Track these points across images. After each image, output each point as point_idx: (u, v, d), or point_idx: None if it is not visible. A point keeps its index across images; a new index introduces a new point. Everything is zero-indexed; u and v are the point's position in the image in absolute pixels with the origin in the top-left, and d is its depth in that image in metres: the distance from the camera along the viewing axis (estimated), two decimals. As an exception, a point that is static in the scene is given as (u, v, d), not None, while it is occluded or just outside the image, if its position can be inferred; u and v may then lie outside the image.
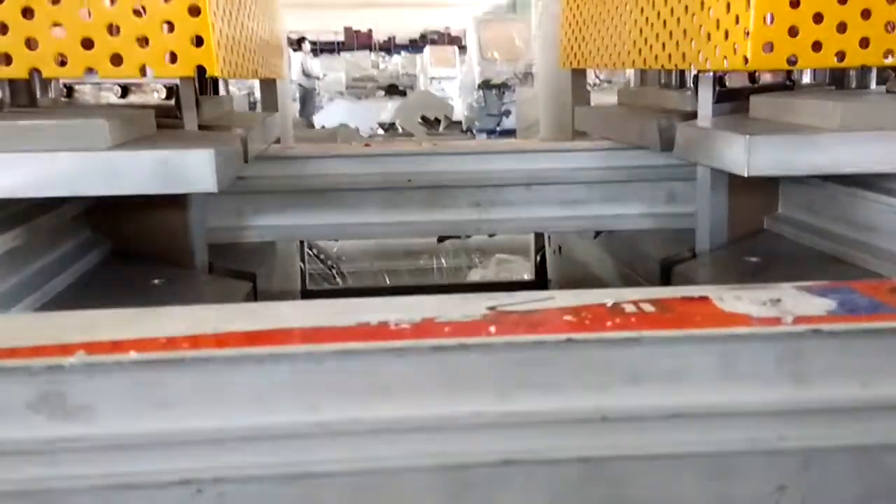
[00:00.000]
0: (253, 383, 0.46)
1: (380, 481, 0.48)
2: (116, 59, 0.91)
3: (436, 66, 12.62)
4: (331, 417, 0.46)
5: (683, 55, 1.20)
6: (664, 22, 1.29)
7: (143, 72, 0.92)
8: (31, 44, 0.89)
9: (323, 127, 8.31)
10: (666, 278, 1.38)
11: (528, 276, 2.35)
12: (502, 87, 9.05)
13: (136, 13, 0.88)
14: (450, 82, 11.88)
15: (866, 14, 0.99)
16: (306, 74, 11.47)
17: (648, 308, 0.53)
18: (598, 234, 1.70)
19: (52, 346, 0.46)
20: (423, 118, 9.45)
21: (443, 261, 3.90)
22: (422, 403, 0.47)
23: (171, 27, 0.89)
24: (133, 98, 1.40)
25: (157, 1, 0.88)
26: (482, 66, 9.24)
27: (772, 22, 0.98)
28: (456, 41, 16.71)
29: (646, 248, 1.52)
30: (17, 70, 0.93)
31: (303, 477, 0.47)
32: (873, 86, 1.32)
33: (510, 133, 7.57)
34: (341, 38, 19.12)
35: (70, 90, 1.30)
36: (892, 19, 0.98)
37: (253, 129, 1.29)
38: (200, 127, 1.24)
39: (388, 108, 11.32)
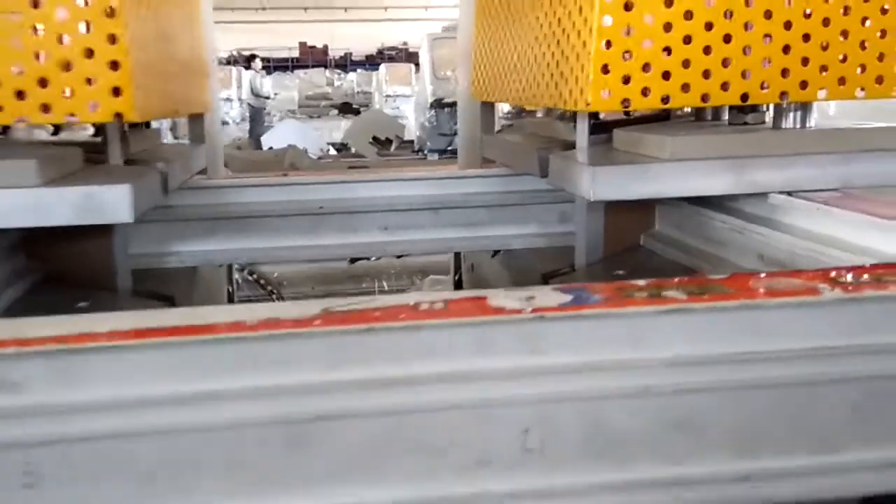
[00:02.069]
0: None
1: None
2: (45, 108, 1.11)
3: (392, 84, 12.83)
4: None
5: (551, 95, 1.43)
6: (544, 65, 1.52)
7: (68, 118, 1.13)
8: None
9: (270, 148, 8.37)
10: (546, 290, 1.61)
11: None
12: (454, 106, 9.15)
13: (64, 68, 1.09)
14: (406, 101, 12.02)
15: (686, 64, 1.23)
16: (255, 94, 11.60)
17: (439, 305, 0.75)
18: (496, 252, 1.93)
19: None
20: (375, 138, 9.58)
21: (384, 283, 4.09)
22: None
23: (93, 81, 1.10)
24: (64, 135, 1.61)
25: (81, 57, 1.09)
26: (435, 84, 9.40)
27: (607, 72, 1.21)
28: (414, 57, 16.95)
29: (536, 263, 1.76)
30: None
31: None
32: (725, 118, 1.57)
33: (462, 152, 7.60)
34: (296, 53, 19.35)
35: (6, 127, 1.51)
36: (709, 67, 1.22)
37: (174, 163, 1.50)
38: (126, 161, 1.44)
39: (340, 128, 11.44)
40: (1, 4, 1.08)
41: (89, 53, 1.11)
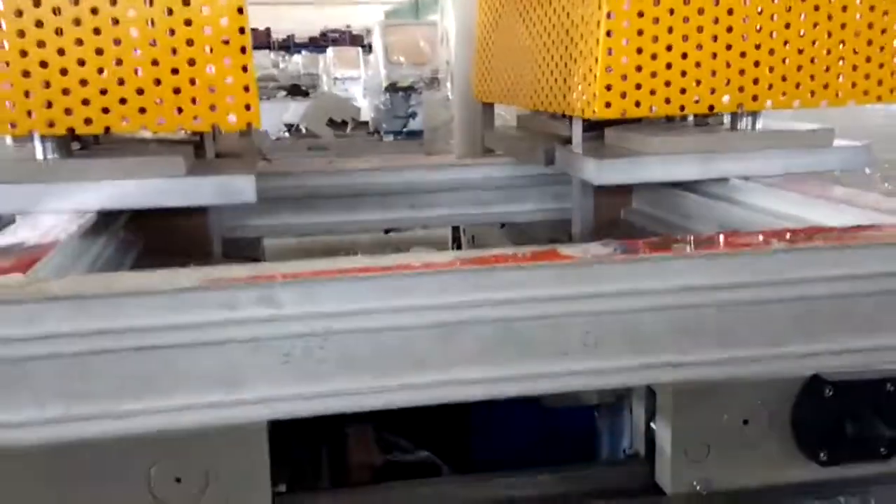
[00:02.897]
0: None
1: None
2: (196, 118, 1.50)
3: (340, 67, 13.09)
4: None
5: (559, 103, 1.85)
6: (549, 75, 1.94)
7: (212, 127, 1.52)
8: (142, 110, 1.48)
9: (231, 131, 8.70)
10: (551, 256, 2.06)
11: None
12: (409, 90, 9.48)
13: (210, 90, 1.48)
14: (354, 83, 12.25)
15: (668, 83, 1.66)
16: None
17: (528, 254, 1.17)
18: (503, 225, 2.36)
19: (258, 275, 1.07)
20: (331, 120, 9.88)
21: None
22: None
23: (232, 98, 1.49)
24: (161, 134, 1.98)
25: (223, 81, 1.48)
26: (388, 69, 9.75)
27: (609, 90, 1.64)
28: (358, 40, 17.16)
29: (537, 233, 2.20)
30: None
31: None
32: (691, 119, 2.01)
33: (417, 134, 7.95)
34: (237, 36, 19.40)
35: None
36: (685, 86, 1.65)
37: (250, 155, 1.89)
38: (217, 155, 1.82)
39: (290, 109, 11.65)
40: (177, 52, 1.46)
41: (229, 79, 1.50)
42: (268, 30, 19.32)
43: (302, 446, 1.85)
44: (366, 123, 10.45)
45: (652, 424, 1.50)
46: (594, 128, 1.96)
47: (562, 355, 1.15)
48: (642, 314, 1.17)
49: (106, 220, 1.75)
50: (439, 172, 2.23)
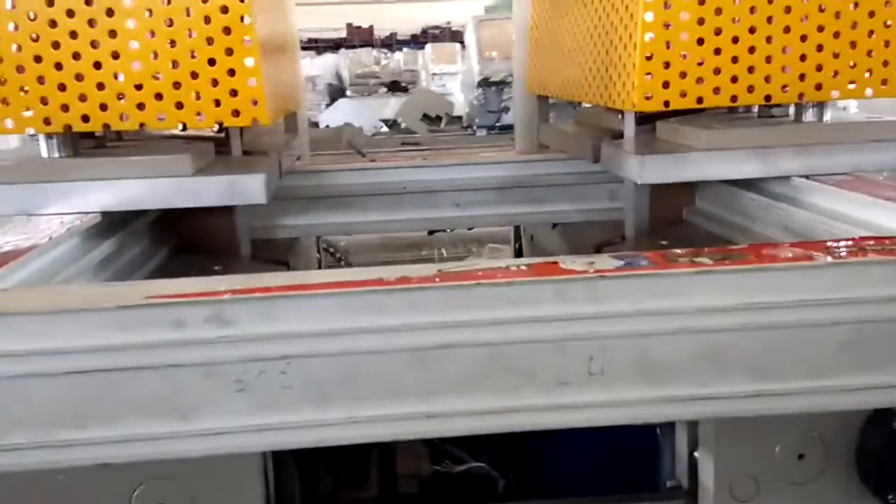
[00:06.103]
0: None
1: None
2: (199, 114, 1.37)
3: (438, 63, 13.02)
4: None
5: (602, 95, 1.65)
6: (593, 66, 1.74)
7: (218, 123, 1.39)
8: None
9: (327, 126, 8.71)
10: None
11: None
12: (501, 84, 9.32)
13: (214, 83, 1.35)
14: (452, 78, 12.18)
15: (717, 71, 1.44)
16: (339, 75, 11.92)
17: (524, 268, 1.00)
18: (555, 224, 2.17)
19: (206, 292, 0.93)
20: (426, 115, 9.81)
21: (443, 251, 4.41)
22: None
23: (235, 93, 1.35)
24: (191, 130, 1.87)
25: (226, 74, 1.34)
26: (481, 64, 9.61)
27: (651, 77, 1.43)
28: (458, 36, 17.00)
29: (590, 234, 1.99)
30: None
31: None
32: (755, 109, 1.78)
33: (509, 128, 7.77)
34: (343, 34, 19.60)
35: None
36: (737, 74, 1.43)
37: (283, 152, 1.76)
38: (244, 152, 1.70)
39: (390, 105, 11.67)
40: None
41: (233, 73, 1.36)
42: (371, 28, 19.36)
43: (348, 456, 1.72)
44: (460, 118, 10.35)
45: (695, 454, 1.31)
46: (649, 121, 1.75)
47: (560, 385, 0.97)
48: (655, 339, 0.97)
49: (129, 220, 1.65)
50: (485, 170, 2.06)
